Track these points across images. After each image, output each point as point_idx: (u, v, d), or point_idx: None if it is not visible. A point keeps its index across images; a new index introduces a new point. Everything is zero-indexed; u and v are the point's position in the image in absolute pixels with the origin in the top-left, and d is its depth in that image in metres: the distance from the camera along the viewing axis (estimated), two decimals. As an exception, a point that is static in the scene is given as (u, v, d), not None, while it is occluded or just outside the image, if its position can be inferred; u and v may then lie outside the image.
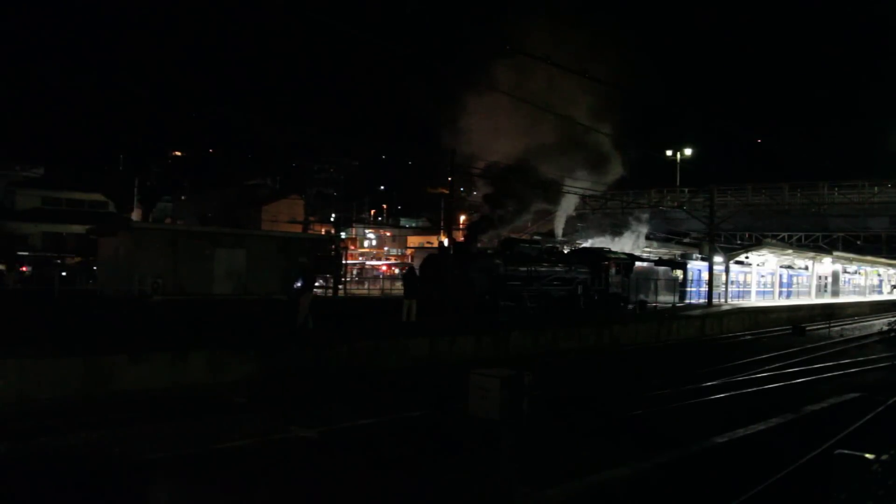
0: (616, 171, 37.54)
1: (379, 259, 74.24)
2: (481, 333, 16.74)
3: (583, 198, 40.37)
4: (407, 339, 15.11)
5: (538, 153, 30.48)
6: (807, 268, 50.48)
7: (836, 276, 56.48)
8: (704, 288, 36.11)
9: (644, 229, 43.16)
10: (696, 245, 43.35)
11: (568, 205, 38.51)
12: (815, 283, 51.04)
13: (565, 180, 33.51)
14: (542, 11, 29.53)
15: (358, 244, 77.47)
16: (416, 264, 26.15)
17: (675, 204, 45.57)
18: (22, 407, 9.18)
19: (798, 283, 50.64)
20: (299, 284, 15.89)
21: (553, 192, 33.96)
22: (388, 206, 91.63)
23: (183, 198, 64.69)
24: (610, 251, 31.57)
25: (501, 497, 6.39)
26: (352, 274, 54.31)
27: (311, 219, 61.91)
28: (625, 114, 36.34)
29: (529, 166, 29.85)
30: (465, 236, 27.22)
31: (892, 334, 25.26)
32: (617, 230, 41.97)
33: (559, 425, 9.49)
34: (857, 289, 62.15)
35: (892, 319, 30.89)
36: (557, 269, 25.96)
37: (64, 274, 36.27)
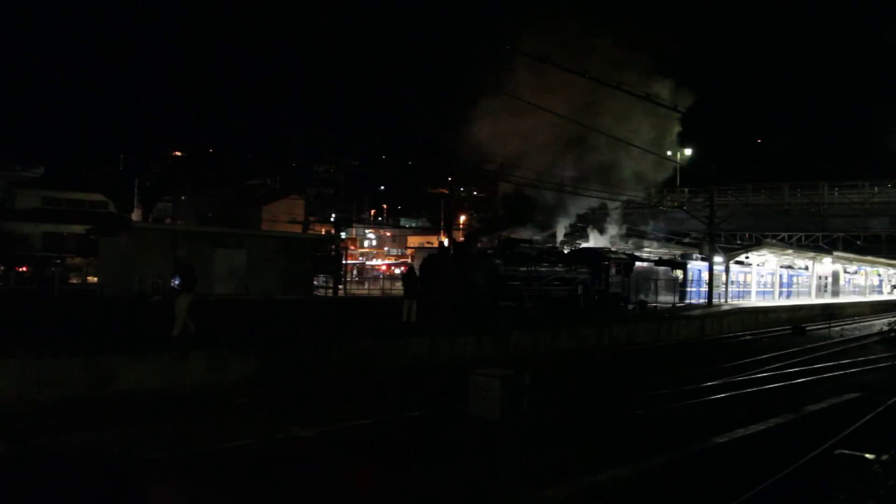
0: (660, 176, 37.88)
1: (379, 259, 74.21)
2: (481, 333, 16.74)
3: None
4: (407, 339, 15.10)
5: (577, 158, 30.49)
6: (807, 268, 50.42)
7: (836, 276, 56.44)
8: (704, 288, 36.09)
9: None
10: (696, 245, 43.29)
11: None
12: (815, 283, 50.99)
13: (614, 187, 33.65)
14: (555, 14, 29.39)
15: (358, 244, 77.35)
16: (416, 264, 26.13)
17: (675, 204, 45.53)
18: (22, 407, 9.18)
19: (798, 284, 50.59)
20: (176, 283, 13.40)
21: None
22: (388, 206, 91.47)
23: (183, 198, 64.49)
24: (610, 251, 31.54)
25: (501, 497, 6.39)
26: (352, 274, 54.26)
27: (311, 219, 61.72)
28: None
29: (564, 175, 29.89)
30: (465, 236, 27.15)
31: (892, 334, 25.24)
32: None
33: (559, 425, 9.49)
34: (857, 289, 62.08)
35: (893, 319, 30.89)
36: (557, 269, 25.94)
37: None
